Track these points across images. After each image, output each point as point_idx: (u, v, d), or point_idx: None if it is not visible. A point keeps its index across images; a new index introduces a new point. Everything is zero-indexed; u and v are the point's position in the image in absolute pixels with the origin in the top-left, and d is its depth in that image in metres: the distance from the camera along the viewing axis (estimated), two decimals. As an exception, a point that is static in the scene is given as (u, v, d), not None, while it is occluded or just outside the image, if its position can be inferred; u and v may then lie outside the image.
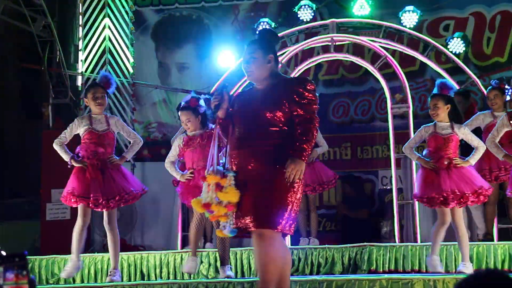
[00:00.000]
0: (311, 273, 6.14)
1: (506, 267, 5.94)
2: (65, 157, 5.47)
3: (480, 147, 5.54)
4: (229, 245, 5.51)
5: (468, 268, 5.40)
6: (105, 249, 7.80)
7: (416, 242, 6.63)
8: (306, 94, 3.79)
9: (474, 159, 5.53)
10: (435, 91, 5.57)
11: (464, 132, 5.54)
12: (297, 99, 3.77)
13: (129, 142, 5.78)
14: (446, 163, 5.47)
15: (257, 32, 4.08)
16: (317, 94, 3.86)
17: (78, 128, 5.53)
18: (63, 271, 5.62)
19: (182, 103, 5.60)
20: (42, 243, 8.06)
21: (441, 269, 5.60)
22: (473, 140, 5.57)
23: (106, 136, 5.51)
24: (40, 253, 7.38)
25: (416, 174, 5.96)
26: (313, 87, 3.83)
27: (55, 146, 5.51)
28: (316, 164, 7.10)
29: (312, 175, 6.95)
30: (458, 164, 5.47)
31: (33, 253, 7.60)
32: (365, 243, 6.27)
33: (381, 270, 6.11)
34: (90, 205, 5.37)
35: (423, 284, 4.70)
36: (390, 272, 5.83)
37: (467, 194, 5.37)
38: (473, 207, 6.68)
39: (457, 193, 5.37)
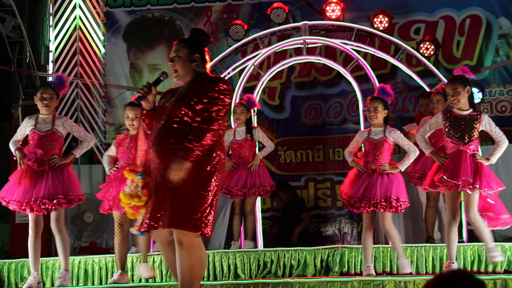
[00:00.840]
0: (283, 275, 6.15)
1: (475, 268, 6.01)
2: (13, 150, 5.37)
3: (410, 152, 5.51)
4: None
5: (407, 264, 5.60)
6: (75, 252, 7.74)
7: (388, 244, 6.66)
8: (212, 93, 3.72)
9: (404, 165, 5.50)
10: (376, 94, 5.63)
11: (395, 136, 5.52)
12: (202, 96, 3.72)
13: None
14: (373, 168, 5.49)
15: (189, 31, 4.04)
16: (227, 96, 3.76)
17: (26, 128, 5.44)
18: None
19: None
20: (11, 246, 7.96)
21: (409, 270, 5.65)
22: (405, 145, 5.55)
23: (49, 137, 5.37)
24: (10, 256, 7.28)
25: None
26: (224, 87, 3.75)
27: (10, 145, 5.43)
28: (258, 169, 6.80)
29: (249, 179, 6.71)
30: (385, 170, 5.45)
31: (2, 256, 7.51)
32: (337, 245, 6.29)
33: (353, 272, 6.15)
34: (16, 208, 5.31)
35: (394, 286, 4.73)
36: (361, 274, 5.85)
37: (378, 200, 5.35)
38: (443, 210, 6.73)
39: (363, 199, 5.38)
